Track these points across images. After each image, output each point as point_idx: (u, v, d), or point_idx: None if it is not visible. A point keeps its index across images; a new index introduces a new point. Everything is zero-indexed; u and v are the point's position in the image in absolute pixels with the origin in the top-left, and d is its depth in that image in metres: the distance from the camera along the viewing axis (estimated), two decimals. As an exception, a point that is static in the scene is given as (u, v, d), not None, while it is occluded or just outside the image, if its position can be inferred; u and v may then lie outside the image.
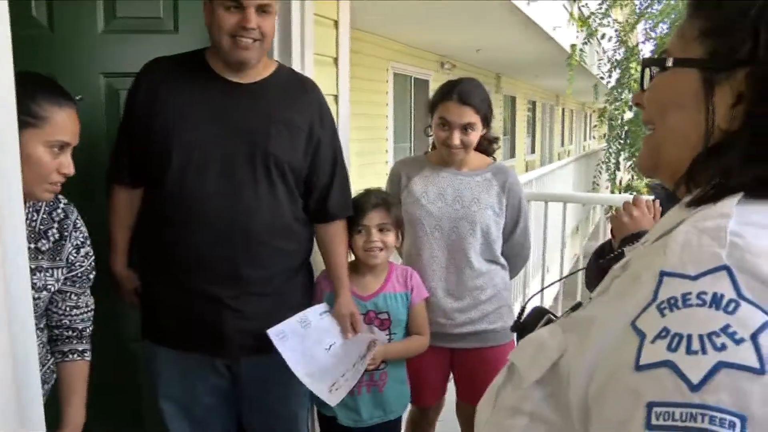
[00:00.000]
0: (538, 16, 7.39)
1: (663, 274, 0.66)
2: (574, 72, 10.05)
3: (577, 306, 0.88)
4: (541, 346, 0.80)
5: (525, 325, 0.99)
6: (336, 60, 2.65)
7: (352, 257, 2.28)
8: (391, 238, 2.23)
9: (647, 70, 0.88)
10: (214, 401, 2.09)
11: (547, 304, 4.70)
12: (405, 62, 8.92)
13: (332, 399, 2.09)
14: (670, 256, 0.67)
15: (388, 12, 6.07)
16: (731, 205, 0.68)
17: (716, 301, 0.61)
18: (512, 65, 12.32)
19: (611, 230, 1.62)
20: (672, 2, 9.52)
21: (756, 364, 0.57)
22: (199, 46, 2.03)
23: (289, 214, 2.01)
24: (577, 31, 10.04)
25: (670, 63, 0.81)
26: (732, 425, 0.57)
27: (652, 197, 1.65)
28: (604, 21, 9.97)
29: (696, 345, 0.60)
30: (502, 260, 2.53)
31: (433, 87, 10.35)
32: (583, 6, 10.27)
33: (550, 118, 19.85)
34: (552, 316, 0.99)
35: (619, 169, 11.44)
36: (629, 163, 11.09)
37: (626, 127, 10.77)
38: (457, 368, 2.55)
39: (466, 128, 2.37)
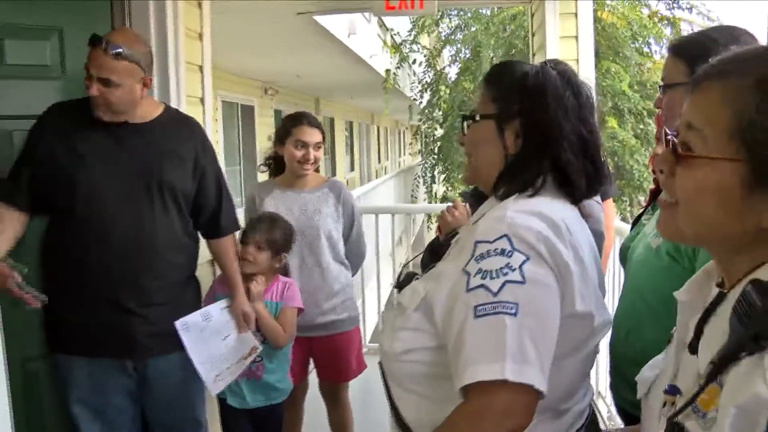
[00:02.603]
0: (356, 45, 8.02)
1: (476, 242, 1.19)
2: (389, 94, 10.87)
3: (430, 269, 1.38)
4: (414, 290, 1.31)
5: (402, 283, 1.47)
6: (202, 99, 3.00)
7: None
8: (263, 256, 2.60)
9: (465, 122, 1.44)
10: (123, 401, 2.33)
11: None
12: (231, 90, 9.20)
13: (215, 388, 2.44)
14: (479, 232, 1.21)
15: (213, 40, 6.36)
16: (509, 202, 1.24)
17: (502, 252, 1.15)
18: (331, 89, 12.96)
19: (438, 227, 2.15)
20: (472, 30, 10.58)
21: (521, 279, 1.12)
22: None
23: (180, 232, 2.33)
24: (390, 57, 10.84)
25: (477, 117, 1.37)
26: (512, 307, 1.10)
27: (464, 202, 2.22)
28: (414, 47, 10.88)
29: (494, 274, 1.13)
30: (346, 261, 3.03)
31: (259, 112, 10.70)
32: (395, 35, 11.11)
33: (367, 137, 20.78)
34: (419, 275, 1.48)
35: (435, 182, 12.40)
36: (443, 176, 12.05)
37: (438, 143, 11.74)
38: (315, 353, 3.01)
39: (318, 146, 2.89)
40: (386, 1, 3.72)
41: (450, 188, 12.43)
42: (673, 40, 1.72)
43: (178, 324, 2.32)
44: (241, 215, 2.74)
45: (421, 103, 11.87)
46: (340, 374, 3.07)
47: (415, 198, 13.32)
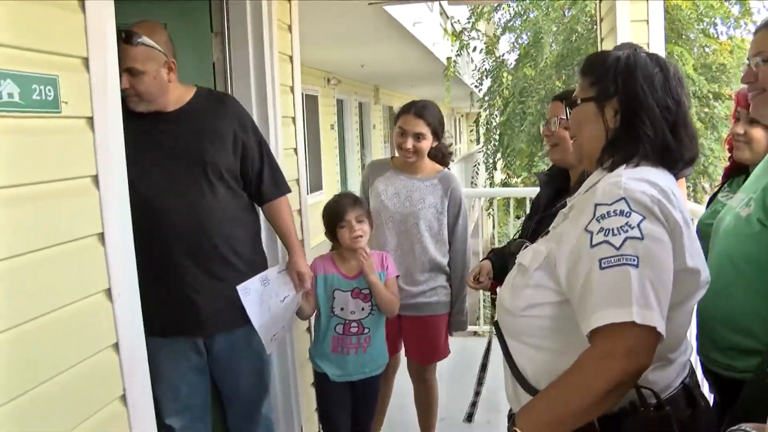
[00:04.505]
0: (421, 34, 8.13)
1: (596, 204, 1.34)
2: (450, 82, 10.94)
3: (546, 233, 1.53)
4: (536, 251, 1.46)
5: (513, 251, 1.62)
6: (292, 88, 3.18)
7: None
8: (366, 226, 2.76)
9: (567, 108, 1.64)
10: (196, 377, 2.50)
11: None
12: (297, 80, 9.39)
13: (271, 347, 2.57)
14: (598, 196, 1.35)
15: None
16: (620, 170, 1.40)
17: (621, 213, 1.29)
18: (392, 78, 13.10)
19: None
20: (531, 17, 10.54)
21: (640, 236, 1.27)
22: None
23: (233, 207, 2.46)
24: (451, 45, 10.90)
25: (579, 102, 1.54)
26: (634, 259, 1.25)
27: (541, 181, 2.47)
28: (473, 34, 10.90)
29: (616, 232, 1.28)
30: (445, 249, 3.12)
31: (322, 102, 10.92)
32: (455, 22, 11.17)
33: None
34: (527, 243, 1.62)
35: (495, 169, 12.43)
36: (503, 163, 12.05)
37: (499, 131, 11.75)
38: (405, 332, 3.16)
39: (418, 136, 2.98)
40: (460, -11, 3.82)
41: (509, 175, 12.44)
42: None
43: (240, 288, 2.45)
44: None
45: (480, 90, 11.89)
46: (426, 356, 3.20)
47: (475, 185, 13.37)
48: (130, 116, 2.25)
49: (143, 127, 2.32)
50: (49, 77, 1.45)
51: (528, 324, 1.43)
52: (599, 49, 4.25)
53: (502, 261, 2.54)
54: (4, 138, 1.35)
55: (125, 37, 2.22)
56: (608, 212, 1.30)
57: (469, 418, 3.18)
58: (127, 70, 2.24)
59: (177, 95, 2.41)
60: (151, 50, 2.27)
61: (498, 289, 2.19)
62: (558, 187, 2.35)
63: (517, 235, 2.58)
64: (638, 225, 1.27)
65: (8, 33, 1.36)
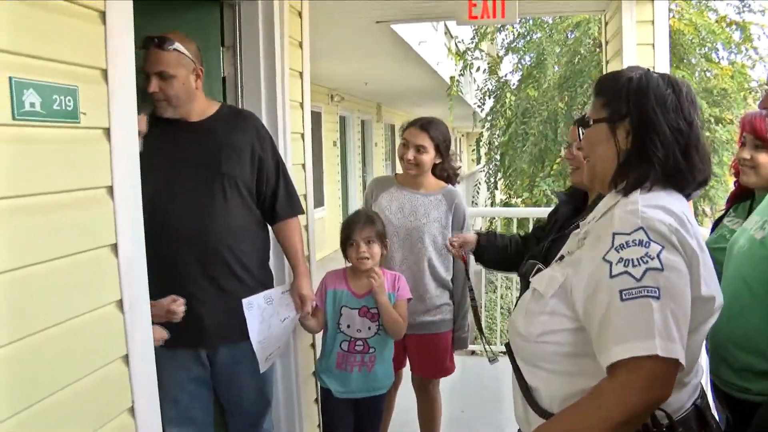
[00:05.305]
0: (425, 53, 8.18)
1: (614, 233, 1.33)
2: (453, 101, 10.97)
3: (561, 258, 1.52)
4: (552, 277, 1.46)
5: (525, 272, 1.62)
6: (302, 104, 3.20)
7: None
8: (376, 248, 2.74)
9: (580, 128, 1.63)
10: (197, 388, 2.50)
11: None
12: (301, 96, 9.42)
13: (264, 366, 2.54)
14: (616, 225, 1.35)
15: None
16: (636, 196, 1.39)
17: (640, 243, 1.29)
18: (395, 96, 13.15)
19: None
20: (534, 38, 10.59)
21: (660, 267, 1.26)
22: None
23: (246, 222, 2.47)
24: (455, 65, 10.95)
25: (591, 123, 1.54)
26: (655, 291, 1.25)
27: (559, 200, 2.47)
28: (476, 54, 10.95)
29: (636, 262, 1.27)
30: (448, 264, 3.13)
31: (325, 118, 10.96)
32: (459, 42, 11.23)
33: (425, 144, 20.85)
34: (540, 266, 1.62)
35: (497, 188, 12.44)
36: (504, 183, 12.05)
37: (500, 151, 11.76)
38: (410, 349, 3.16)
39: (419, 149, 3.01)
40: (469, 9, 3.84)
41: (510, 195, 12.45)
42: None
43: (244, 302, 2.46)
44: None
45: (483, 110, 11.93)
46: (431, 371, 3.21)
47: (476, 204, 13.38)
48: (155, 122, 2.34)
49: (165, 135, 2.36)
50: (69, 87, 1.46)
51: (543, 350, 1.43)
52: (605, 72, 4.28)
53: (489, 244, 2.72)
54: (25, 147, 1.36)
55: (158, 42, 2.28)
56: (627, 242, 1.31)
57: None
58: (157, 74, 2.29)
59: (201, 107, 2.46)
60: (182, 56, 2.33)
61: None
62: (576, 206, 2.36)
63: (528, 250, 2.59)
64: (658, 256, 1.28)
65: (31, 43, 1.36)
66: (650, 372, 1.22)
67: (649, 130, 1.43)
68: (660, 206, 1.35)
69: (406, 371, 3.28)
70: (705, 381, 1.65)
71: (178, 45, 2.32)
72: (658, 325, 1.22)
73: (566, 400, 1.35)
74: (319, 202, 10.71)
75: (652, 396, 1.23)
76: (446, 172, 3.17)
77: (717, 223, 2.35)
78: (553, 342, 1.41)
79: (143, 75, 2.30)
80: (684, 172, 1.43)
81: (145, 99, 2.28)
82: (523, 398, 1.48)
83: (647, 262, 1.26)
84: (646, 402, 1.23)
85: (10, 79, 1.29)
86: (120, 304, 1.64)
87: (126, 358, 1.66)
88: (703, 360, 1.82)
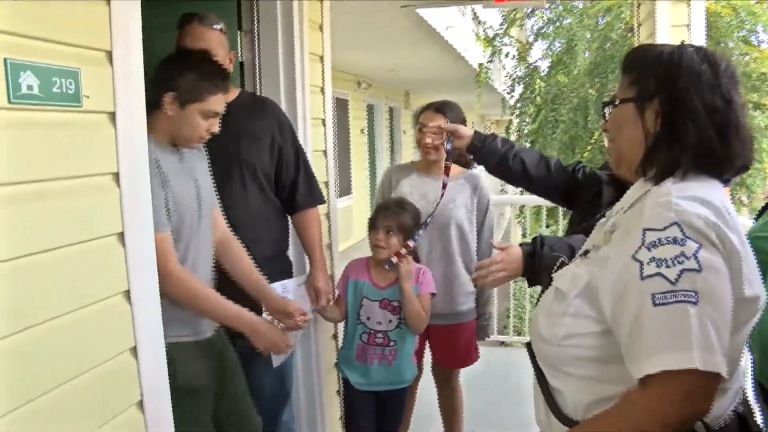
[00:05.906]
0: (453, 38, 8.05)
1: (645, 229, 1.20)
2: (482, 88, 10.82)
3: (586, 253, 1.41)
4: (576, 275, 1.34)
5: (547, 265, 1.51)
6: (323, 89, 3.12)
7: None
8: (394, 240, 2.64)
9: (605, 108, 1.47)
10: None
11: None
12: (327, 83, 9.38)
13: (277, 359, 2.45)
14: (647, 220, 1.21)
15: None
16: (668, 186, 1.25)
17: (675, 241, 1.16)
18: (422, 83, 13.02)
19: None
20: (565, 24, 10.40)
21: (698, 267, 1.13)
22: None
23: (264, 209, 2.43)
24: (483, 51, 10.80)
25: (617, 102, 1.40)
26: (692, 295, 1.12)
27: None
28: (505, 40, 10.79)
29: (670, 263, 1.14)
30: (473, 254, 3.04)
31: (352, 106, 10.89)
32: (487, 28, 11.07)
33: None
34: (564, 258, 1.52)
35: (527, 176, 12.23)
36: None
37: (530, 138, 11.60)
38: (432, 339, 3.07)
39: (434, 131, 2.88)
40: (496, -9, 3.74)
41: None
42: None
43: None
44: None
45: (512, 97, 11.77)
46: (454, 361, 3.14)
47: (505, 191, 13.23)
48: None
49: None
50: (70, 70, 1.39)
51: (567, 354, 1.32)
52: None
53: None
54: (22, 132, 1.30)
55: (200, 19, 2.25)
56: (660, 239, 1.17)
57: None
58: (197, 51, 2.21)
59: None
60: (223, 37, 2.31)
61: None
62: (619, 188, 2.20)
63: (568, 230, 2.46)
64: (695, 255, 1.14)
65: (29, 24, 1.30)
66: (688, 385, 1.10)
67: (679, 111, 1.28)
68: (696, 197, 1.21)
69: (426, 363, 3.20)
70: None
71: (222, 25, 2.29)
72: (696, 334, 1.10)
73: (592, 407, 1.25)
74: (346, 190, 10.67)
75: (689, 410, 1.12)
76: (464, 157, 3.07)
77: (763, 210, 2.22)
78: (578, 346, 1.29)
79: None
80: (720, 156, 1.28)
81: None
82: (546, 403, 1.38)
83: (683, 262, 1.13)
84: (683, 416, 1.12)
85: (5, 60, 1.23)
86: (127, 294, 1.59)
87: (134, 350, 1.61)
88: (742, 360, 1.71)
